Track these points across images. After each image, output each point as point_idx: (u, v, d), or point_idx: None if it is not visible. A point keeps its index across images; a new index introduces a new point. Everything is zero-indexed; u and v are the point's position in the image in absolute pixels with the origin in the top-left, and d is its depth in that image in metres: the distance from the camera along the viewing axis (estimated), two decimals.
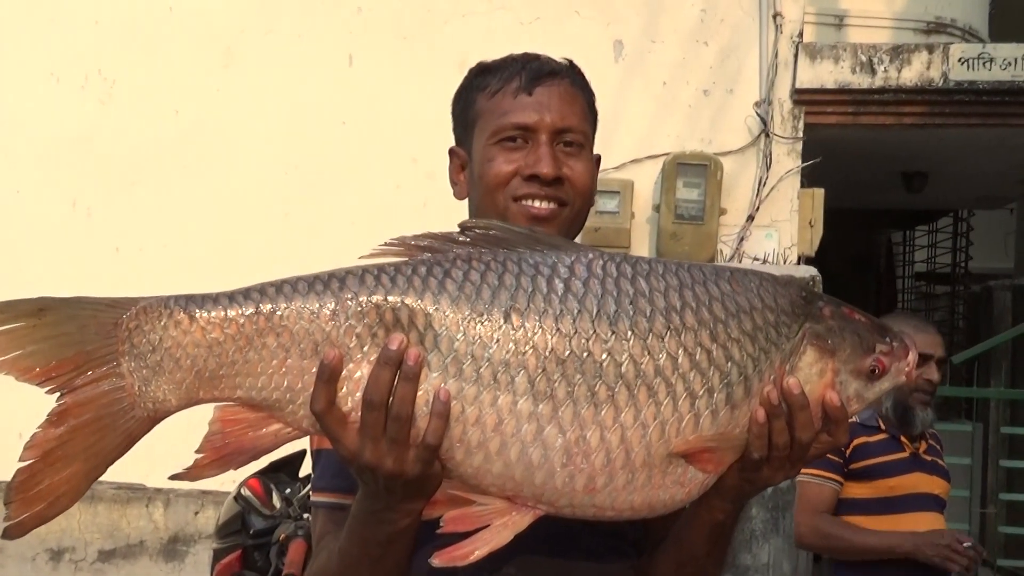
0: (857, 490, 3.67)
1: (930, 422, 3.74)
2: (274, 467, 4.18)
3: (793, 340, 1.39)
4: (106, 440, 1.32)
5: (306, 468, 4.38)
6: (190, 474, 1.36)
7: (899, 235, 11.80)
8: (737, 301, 1.39)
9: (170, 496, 5.95)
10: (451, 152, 1.82)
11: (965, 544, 3.54)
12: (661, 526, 1.57)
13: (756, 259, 5.98)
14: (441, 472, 1.35)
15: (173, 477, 1.38)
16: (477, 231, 1.42)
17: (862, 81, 6.12)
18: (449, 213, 5.52)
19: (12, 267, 6.30)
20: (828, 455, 3.66)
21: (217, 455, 1.35)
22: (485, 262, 1.38)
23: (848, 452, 3.66)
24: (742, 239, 6.04)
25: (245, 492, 4.17)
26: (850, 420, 1.42)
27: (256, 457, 1.37)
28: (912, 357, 1.43)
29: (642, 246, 6.13)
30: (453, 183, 1.82)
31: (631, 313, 1.35)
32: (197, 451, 1.35)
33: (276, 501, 4.29)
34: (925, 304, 11.69)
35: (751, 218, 6.05)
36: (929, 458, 3.74)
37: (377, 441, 1.31)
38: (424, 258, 1.40)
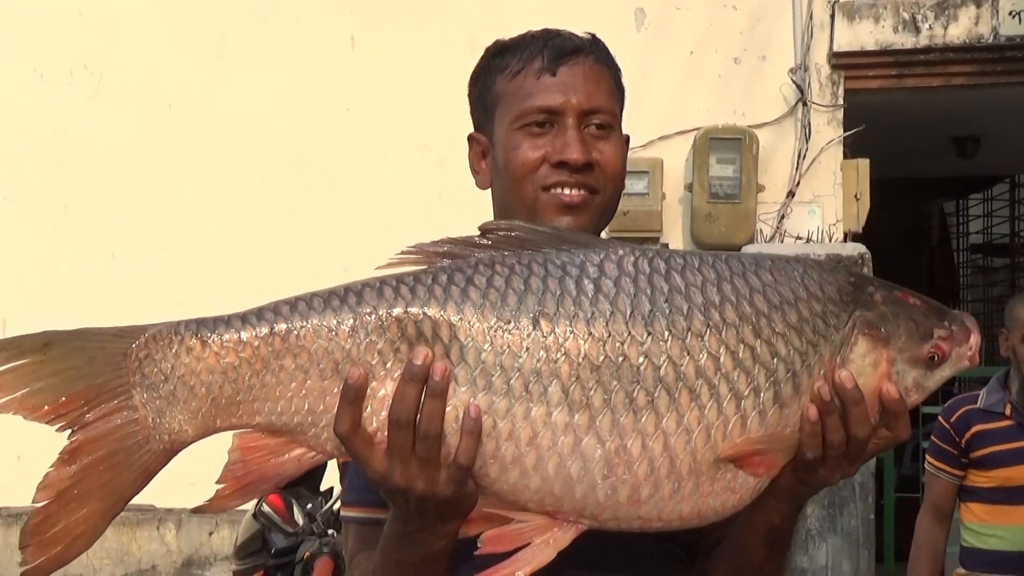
0: (977, 479, 3.74)
1: None
2: (294, 481, 4.21)
3: (843, 330, 1.39)
4: (122, 476, 1.34)
5: (327, 481, 4.41)
6: (212, 506, 1.38)
7: (952, 205, 11.69)
8: (780, 292, 1.39)
9: (182, 516, 6.00)
10: (470, 139, 1.82)
11: None
12: (714, 528, 1.58)
13: (799, 238, 5.97)
14: (476, 490, 1.36)
15: (196, 510, 1.40)
16: (499, 233, 1.43)
17: (905, 41, 6.09)
18: (466, 202, 5.55)
19: (2, 279, 6.36)
20: (943, 445, 3.77)
21: (239, 484, 1.37)
22: (509, 266, 1.39)
23: (965, 441, 3.74)
24: (783, 217, 6.02)
25: (265, 509, 4.20)
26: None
27: (280, 484, 1.40)
28: (974, 340, 1.43)
29: (675, 229, 6.13)
30: (474, 171, 1.82)
31: (667, 312, 1.35)
32: (218, 481, 1.37)
33: (298, 517, 4.32)
34: (983, 279, 11.57)
35: (791, 194, 6.04)
36: None
37: (406, 462, 1.33)
38: (444, 265, 1.40)
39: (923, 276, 10.66)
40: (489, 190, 1.81)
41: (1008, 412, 3.71)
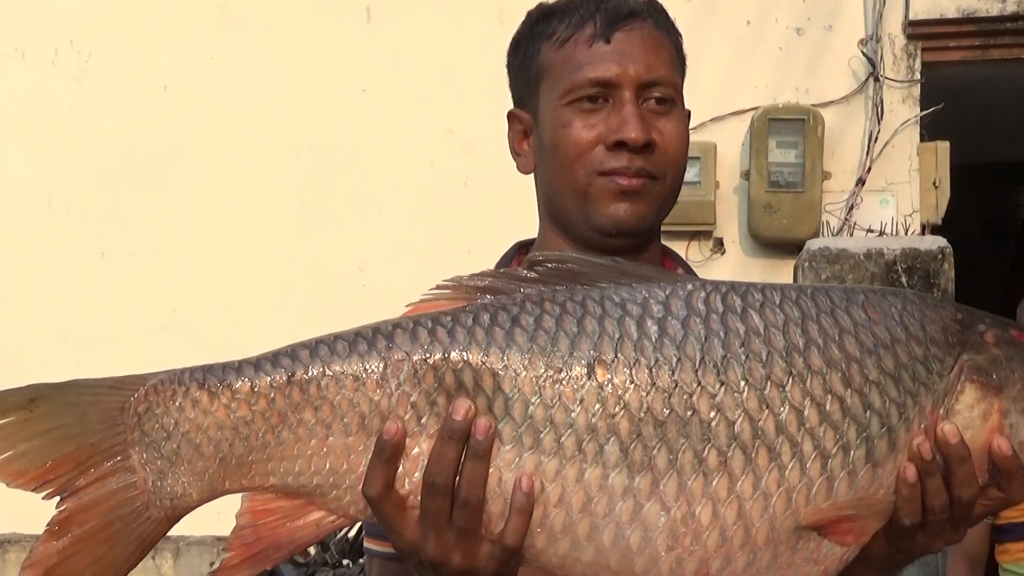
0: (1011, 513, 3.66)
1: None
2: None
3: (948, 377, 1.36)
4: (117, 549, 1.32)
5: None
6: None
7: None
8: (875, 333, 1.37)
9: (180, 545, 6.02)
10: (511, 116, 1.80)
11: None
12: None
13: (870, 231, 5.92)
14: (518, 565, 1.34)
15: None
16: (548, 265, 1.40)
17: (991, 7, 6.03)
18: (496, 193, 5.52)
19: None
20: None
21: (248, 552, 1.36)
22: (560, 303, 1.36)
23: None
24: (852, 207, 5.98)
25: None
26: None
27: (295, 552, 1.39)
28: None
29: (730, 222, 6.09)
30: (515, 154, 1.79)
31: (743, 358, 1.33)
32: (225, 549, 1.36)
33: (311, 547, 4.35)
34: None
35: (861, 182, 5.98)
36: None
37: (443, 532, 1.30)
38: (486, 303, 1.37)
39: (1007, 274, 10.57)
40: (531, 175, 1.79)
41: None
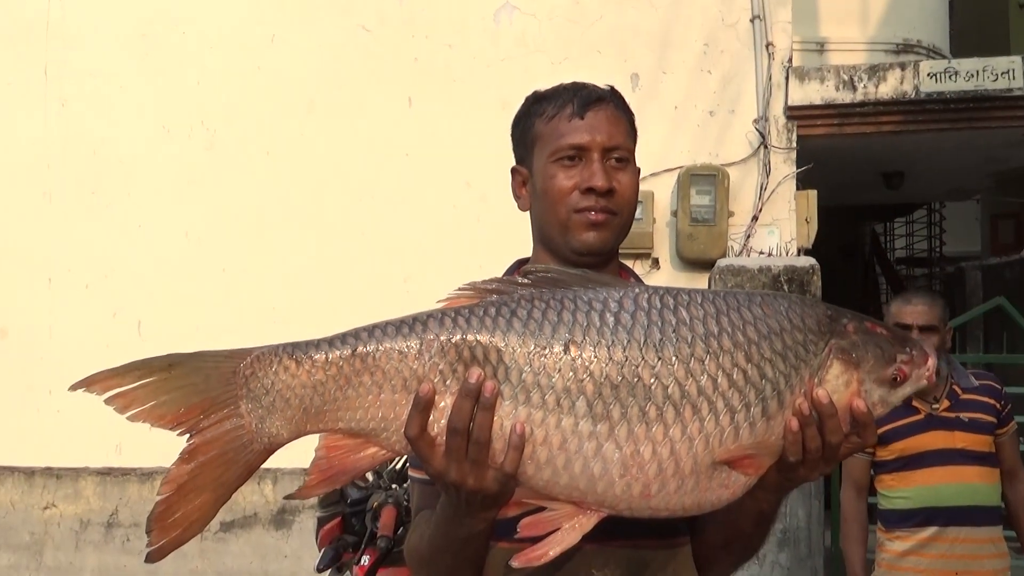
0: (882, 453, 3.63)
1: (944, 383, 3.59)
2: None
3: (820, 355, 1.33)
4: (230, 471, 1.31)
5: None
6: (301, 493, 1.35)
7: (881, 226, 11.60)
8: (768, 324, 1.34)
9: (277, 474, 5.98)
10: (513, 171, 1.77)
11: None
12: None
13: (761, 252, 5.88)
14: (515, 486, 1.32)
15: (287, 497, 1.36)
16: (537, 274, 1.39)
17: (845, 96, 6.01)
18: (500, 228, 5.47)
19: (138, 289, 6.35)
20: None
21: (323, 476, 1.34)
22: (546, 300, 1.34)
23: None
24: (748, 236, 5.94)
25: None
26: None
27: (357, 476, 1.36)
28: (931, 363, 1.37)
29: (663, 247, 6.06)
30: (516, 197, 1.76)
31: (675, 340, 1.30)
32: (307, 473, 1.34)
33: (368, 474, 4.29)
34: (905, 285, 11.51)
35: (755, 218, 5.96)
36: (953, 414, 3.57)
37: (461, 462, 1.29)
38: (493, 300, 1.35)
39: (858, 283, 10.55)
40: (527, 212, 1.76)
41: None
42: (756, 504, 1.42)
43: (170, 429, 1.31)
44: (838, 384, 1.33)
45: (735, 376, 1.30)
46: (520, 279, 1.38)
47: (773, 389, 1.30)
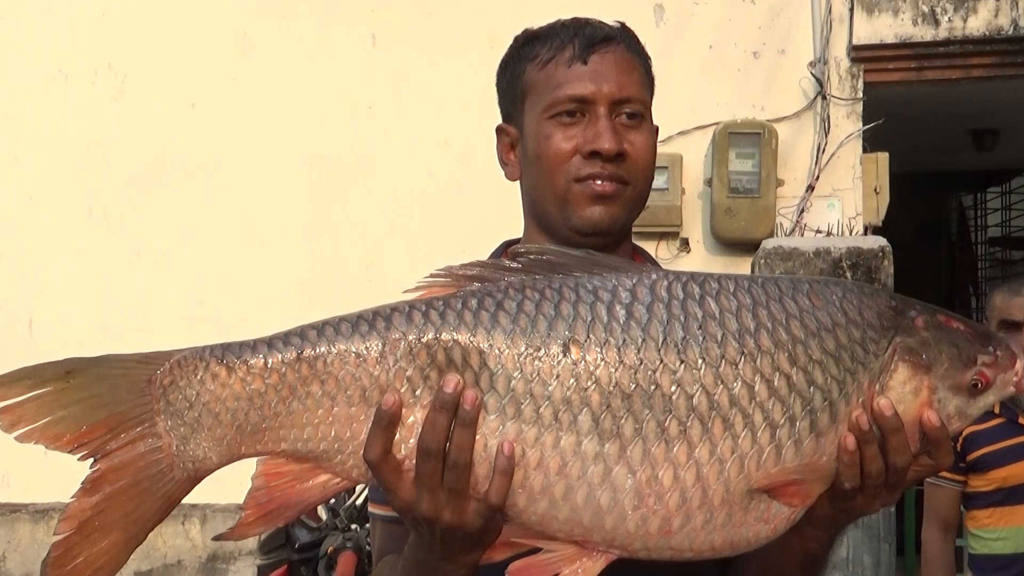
0: (977, 483, 3.64)
1: None
2: None
3: (883, 357, 1.35)
4: (145, 506, 1.32)
5: None
6: (234, 534, 1.36)
7: (970, 198, 11.60)
8: (818, 317, 1.35)
9: (207, 512, 5.99)
10: (499, 130, 1.78)
11: None
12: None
13: (818, 231, 5.92)
14: (502, 521, 1.33)
15: (217, 538, 1.37)
16: (529, 256, 1.39)
17: (925, 33, 6.03)
18: (487, 199, 5.49)
19: (28, 278, 6.35)
20: None
21: (262, 511, 1.35)
22: (539, 290, 1.35)
23: (959, 445, 3.59)
24: (802, 211, 5.97)
25: None
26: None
27: (304, 511, 1.38)
28: (1020, 366, 1.39)
29: (694, 224, 6.08)
30: (503, 163, 1.78)
31: (700, 339, 1.32)
32: (242, 507, 1.35)
33: (321, 512, 4.32)
34: (1001, 271, 11.48)
35: (811, 188, 5.98)
36: None
37: (435, 492, 1.30)
38: (474, 289, 1.36)
39: (942, 269, 10.57)
40: (517, 182, 1.77)
41: (997, 410, 3.55)
42: (803, 543, 1.43)
43: (69, 452, 1.32)
44: (905, 392, 1.34)
45: (777, 383, 1.31)
46: (508, 263, 1.39)
47: (824, 399, 1.32)
